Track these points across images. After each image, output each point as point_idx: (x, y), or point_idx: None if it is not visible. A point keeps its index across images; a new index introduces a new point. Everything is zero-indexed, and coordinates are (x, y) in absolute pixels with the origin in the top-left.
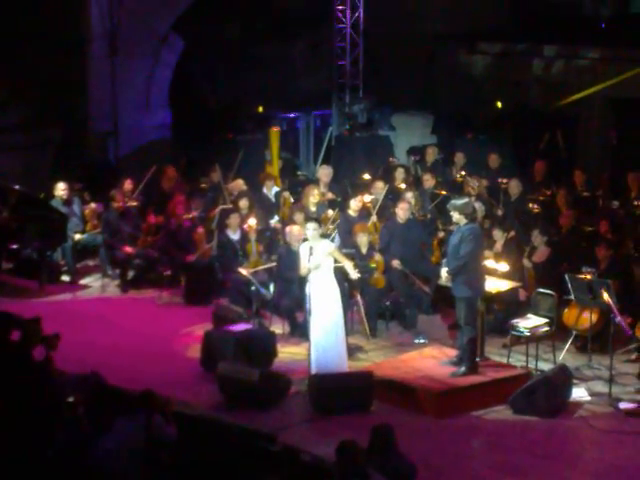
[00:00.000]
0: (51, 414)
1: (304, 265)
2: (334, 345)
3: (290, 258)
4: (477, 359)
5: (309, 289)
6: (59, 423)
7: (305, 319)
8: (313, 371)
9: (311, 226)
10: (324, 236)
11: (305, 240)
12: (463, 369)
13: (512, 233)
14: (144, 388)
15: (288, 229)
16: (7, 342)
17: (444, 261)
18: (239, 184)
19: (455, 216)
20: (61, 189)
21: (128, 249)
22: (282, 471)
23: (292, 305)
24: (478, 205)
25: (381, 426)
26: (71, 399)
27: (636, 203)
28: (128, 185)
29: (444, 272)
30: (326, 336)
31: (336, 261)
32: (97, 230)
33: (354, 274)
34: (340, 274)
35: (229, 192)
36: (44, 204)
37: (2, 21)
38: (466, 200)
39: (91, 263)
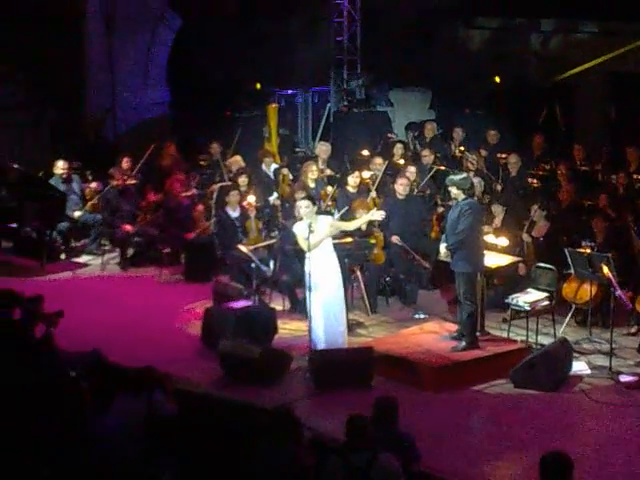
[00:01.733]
0: (53, 392)
1: (303, 243)
2: (334, 321)
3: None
4: (477, 334)
5: (309, 266)
6: (61, 401)
7: (305, 295)
8: (314, 347)
9: (303, 204)
10: (322, 212)
11: (300, 219)
12: (463, 344)
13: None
14: (145, 365)
15: (298, 203)
16: (9, 320)
17: (443, 236)
18: (237, 160)
19: (453, 191)
20: (61, 167)
21: (127, 227)
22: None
23: (292, 282)
24: (477, 180)
25: (385, 398)
26: (73, 374)
27: (636, 177)
28: (126, 163)
29: (443, 247)
30: (326, 312)
31: (334, 237)
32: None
33: (378, 215)
34: (340, 250)
35: (227, 169)
36: (43, 182)
37: None
38: (464, 175)
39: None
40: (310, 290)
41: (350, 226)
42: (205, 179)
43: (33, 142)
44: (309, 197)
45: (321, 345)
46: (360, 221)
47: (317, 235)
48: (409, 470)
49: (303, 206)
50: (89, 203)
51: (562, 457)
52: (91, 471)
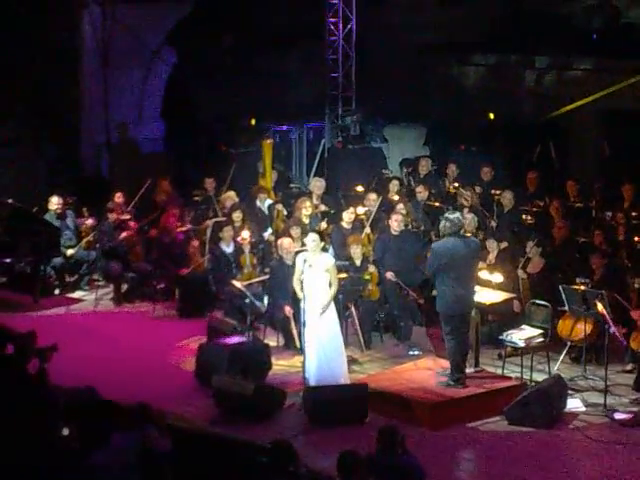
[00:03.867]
0: (46, 428)
1: (297, 277)
2: (330, 357)
3: (282, 271)
4: (466, 371)
5: (304, 302)
6: (53, 439)
7: (300, 331)
8: (309, 383)
9: (311, 237)
10: (324, 250)
11: (301, 251)
12: (448, 381)
13: (505, 244)
14: (139, 401)
15: (279, 242)
16: (1, 356)
17: None
18: (231, 196)
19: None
20: (55, 203)
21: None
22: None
23: (286, 317)
24: (471, 217)
25: (388, 426)
26: (66, 432)
27: (633, 214)
28: (118, 198)
29: None
30: (321, 348)
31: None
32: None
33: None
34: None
35: (221, 205)
36: (37, 218)
37: None
38: (457, 214)
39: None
40: (305, 326)
41: (335, 283)
42: (199, 215)
43: (29, 177)
44: (319, 232)
45: (312, 382)
46: (333, 289)
47: (310, 273)
48: None
49: (310, 239)
50: (84, 240)
51: None
52: None
